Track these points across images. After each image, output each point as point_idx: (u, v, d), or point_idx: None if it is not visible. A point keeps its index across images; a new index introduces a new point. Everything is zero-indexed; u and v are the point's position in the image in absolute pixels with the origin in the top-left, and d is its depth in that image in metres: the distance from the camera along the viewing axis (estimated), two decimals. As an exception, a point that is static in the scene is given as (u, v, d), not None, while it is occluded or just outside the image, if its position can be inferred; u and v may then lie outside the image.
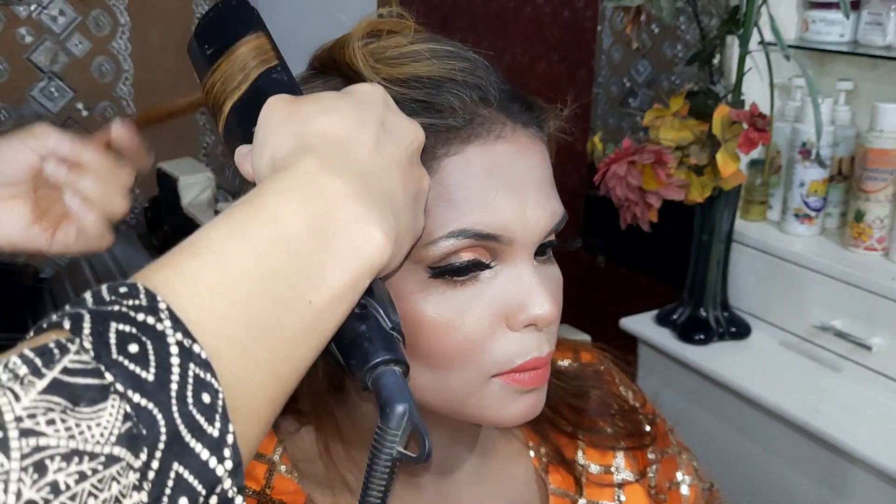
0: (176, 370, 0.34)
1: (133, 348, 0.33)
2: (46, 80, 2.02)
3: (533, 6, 2.17)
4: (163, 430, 0.33)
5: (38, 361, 0.31)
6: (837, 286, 1.45)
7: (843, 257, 1.49)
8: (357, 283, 0.42)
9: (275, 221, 0.40)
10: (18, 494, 0.29)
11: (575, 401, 0.72)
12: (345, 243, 0.41)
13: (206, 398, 0.34)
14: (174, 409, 0.33)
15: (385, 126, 0.47)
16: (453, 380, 0.55)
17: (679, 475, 0.75)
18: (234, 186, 0.54)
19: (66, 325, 0.33)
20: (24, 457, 0.29)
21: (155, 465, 0.32)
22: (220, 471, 0.34)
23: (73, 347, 0.32)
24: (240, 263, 0.38)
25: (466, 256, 0.53)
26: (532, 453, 0.70)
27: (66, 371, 0.31)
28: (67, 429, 0.30)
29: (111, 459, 0.31)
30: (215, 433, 0.34)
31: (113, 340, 0.33)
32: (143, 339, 0.34)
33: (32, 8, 1.98)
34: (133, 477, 0.32)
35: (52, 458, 0.30)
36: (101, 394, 0.32)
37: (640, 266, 2.12)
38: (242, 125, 0.50)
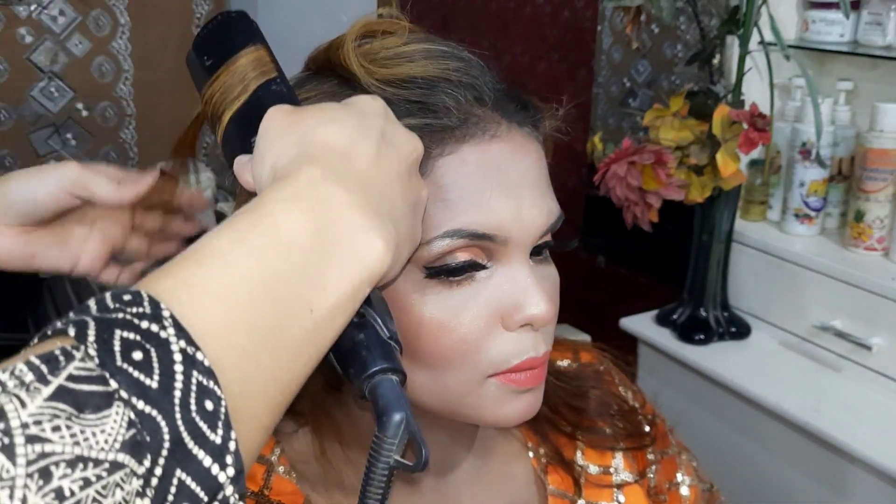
0: (179, 377, 0.34)
1: (137, 355, 0.33)
2: (46, 80, 2.02)
3: (533, 6, 2.17)
4: (166, 436, 0.33)
5: (43, 368, 0.32)
6: (837, 286, 1.45)
7: (843, 257, 1.49)
8: (357, 291, 0.42)
9: (277, 230, 0.40)
10: (24, 500, 0.29)
11: (574, 401, 0.72)
12: (346, 252, 0.42)
13: (208, 405, 0.34)
14: (177, 416, 0.33)
15: (385, 137, 0.47)
16: (450, 380, 0.55)
17: (679, 476, 0.75)
18: (234, 187, 0.55)
19: (71, 332, 0.34)
20: (29, 463, 0.30)
21: (158, 471, 0.33)
22: (222, 477, 0.34)
23: (78, 354, 0.33)
24: (242, 271, 0.38)
25: (462, 257, 0.53)
26: (531, 454, 0.70)
27: (71, 378, 0.32)
28: (72, 435, 0.31)
29: (115, 466, 0.31)
30: (218, 440, 0.34)
31: (117, 348, 0.33)
32: (147, 346, 0.34)
33: (32, 8, 1.98)
34: (136, 483, 0.32)
35: (57, 464, 0.30)
36: (106, 401, 0.32)
37: (640, 266, 2.12)
38: (241, 135, 0.50)
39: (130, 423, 0.32)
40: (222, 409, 0.35)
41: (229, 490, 0.35)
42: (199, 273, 0.38)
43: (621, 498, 0.70)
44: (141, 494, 0.32)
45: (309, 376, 0.42)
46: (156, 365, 0.34)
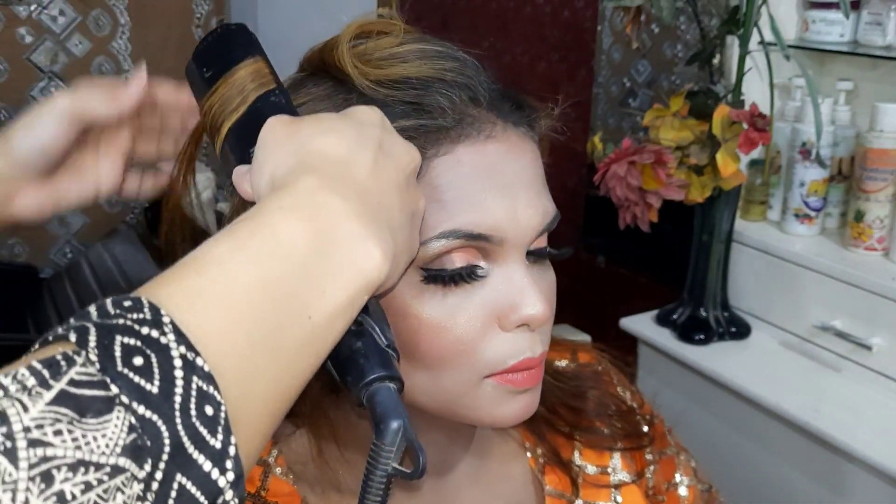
0: (179, 383, 0.34)
1: (138, 361, 0.34)
2: (46, 80, 2.02)
3: (533, 6, 2.17)
4: (166, 441, 0.33)
5: (45, 373, 0.32)
6: (837, 286, 1.45)
7: (843, 257, 1.49)
8: (355, 299, 0.43)
9: (276, 238, 0.41)
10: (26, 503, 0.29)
11: (572, 401, 0.72)
12: (344, 260, 0.42)
13: (208, 410, 0.35)
14: (178, 420, 0.34)
15: (383, 147, 0.47)
16: (447, 380, 0.55)
17: (677, 476, 0.75)
18: (232, 196, 0.55)
19: (73, 337, 0.34)
20: (31, 466, 0.30)
21: (158, 475, 0.33)
22: (222, 482, 0.35)
23: (79, 360, 0.33)
24: (242, 279, 0.39)
25: (459, 261, 0.54)
26: (529, 454, 0.70)
27: (72, 383, 0.32)
28: (74, 439, 0.31)
29: (116, 470, 0.32)
30: (218, 445, 0.35)
31: (118, 353, 0.34)
32: (148, 351, 0.34)
33: (32, 8, 1.98)
34: (137, 487, 0.32)
35: (58, 468, 0.30)
36: (107, 405, 0.32)
37: (640, 266, 2.12)
38: (240, 146, 0.50)
39: (131, 428, 0.32)
40: (222, 414, 0.35)
41: (229, 495, 0.35)
42: (199, 280, 0.38)
43: (619, 498, 0.70)
44: (141, 498, 0.32)
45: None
46: (156, 370, 0.34)
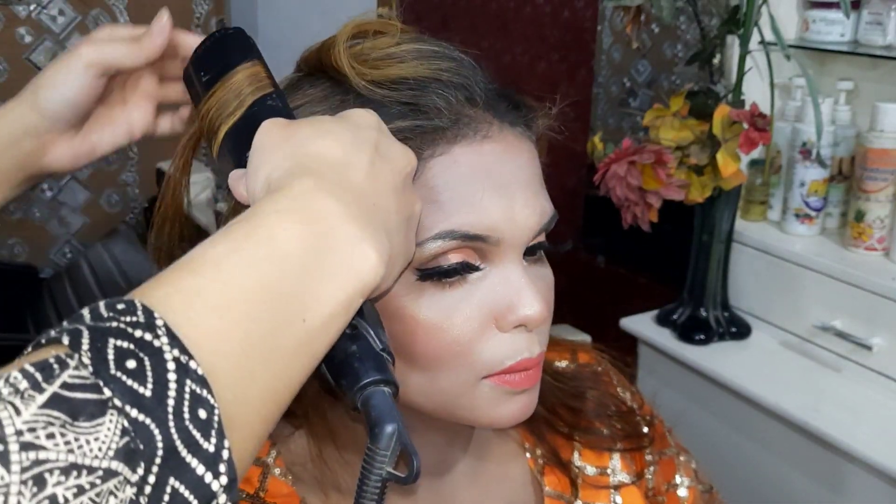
0: (173, 386, 0.34)
1: (131, 364, 0.34)
2: (47, 79, 2.02)
3: (533, 6, 2.17)
4: (159, 445, 0.33)
5: (38, 376, 0.32)
6: (837, 286, 1.45)
7: (844, 257, 1.49)
8: (350, 302, 0.43)
9: (271, 240, 0.40)
10: None
11: (572, 402, 0.72)
12: (340, 263, 0.42)
13: (202, 414, 0.34)
14: (171, 424, 0.33)
15: (379, 150, 0.47)
16: (444, 381, 0.55)
17: (677, 477, 0.75)
18: (229, 200, 0.55)
19: (65, 340, 0.34)
20: (23, 470, 0.30)
21: (151, 479, 0.33)
22: (215, 486, 0.34)
23: (72, 363, 0.33)
24: (236, 281, 0.39)
25: (454, 258, 0.53)
26: (528, 454, 0.70)
27: (65, 386, 0.32)
28: (67, 443, 0.31)
29: (109, 474, 0.31)
30: (211, 448, 0.34)
31: (111, 356, 0.33)
32: (141, 355, 0.34)
33: (32, 8, 1.98)
34: (130, 491, 0.32)
35: (51, 471, 0.30)
36: (100, 408, 0.32)
37: (640, 266, 2.12)
38: (237, 150, 0.50)
39: (124, 431, 0.32)
40: (215, 418, 0.35)
41: (222, 499, 0.35)
42: (194, 282, 0.38)
43: (618, 499, 0.70)
44: (134, 502, 0.32)
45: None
46: (149, 373, 0.34)
